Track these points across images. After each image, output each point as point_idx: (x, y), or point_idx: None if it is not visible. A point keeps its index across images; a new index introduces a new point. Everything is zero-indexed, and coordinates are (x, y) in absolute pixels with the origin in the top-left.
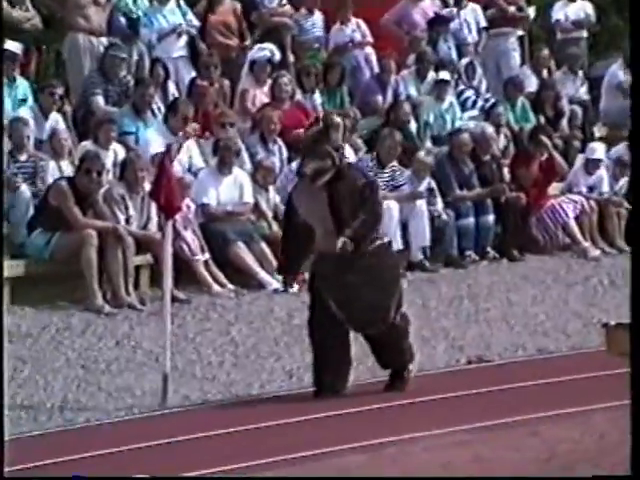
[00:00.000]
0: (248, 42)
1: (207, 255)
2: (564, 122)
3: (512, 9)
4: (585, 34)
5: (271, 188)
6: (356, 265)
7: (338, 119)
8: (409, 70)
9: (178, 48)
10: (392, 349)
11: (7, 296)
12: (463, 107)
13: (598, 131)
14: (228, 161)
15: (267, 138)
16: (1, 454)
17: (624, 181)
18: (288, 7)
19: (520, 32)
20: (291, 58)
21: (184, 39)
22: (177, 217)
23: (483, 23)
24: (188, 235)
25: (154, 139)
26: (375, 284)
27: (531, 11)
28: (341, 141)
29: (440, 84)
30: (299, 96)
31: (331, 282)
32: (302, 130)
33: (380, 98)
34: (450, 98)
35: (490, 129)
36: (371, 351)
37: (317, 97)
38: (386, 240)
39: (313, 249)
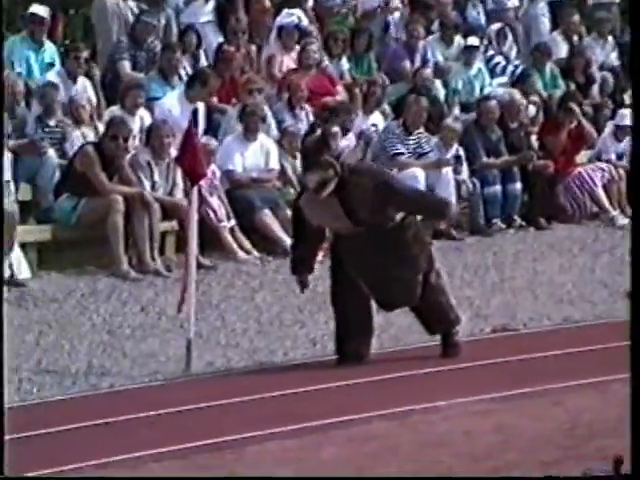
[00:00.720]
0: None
1: (233, 222)
2: (595, 89)
3: None
4: None
5: (298, 155)
6: (383, 242)
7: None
8: (434, 36)
9: (205, 13)
10: (435, 309)
11: (34, 261)
12: (492, 73)
13: (629, 98)
14: (254, 127)
15: (294, 104)
16: (1, 450)
17: None
18: None
19: None
20: (311, 25)
21: (211, 4)
22: (203, 184)
23: None
24: (214, 201)
25: (176, 106)
26: (403, 261)
27: None
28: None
29: (468, 50)
30: (326, 62)
31: (359, 260)
32: (329, 97)
33: (408, 64)
34: (479, 64)
35: (518, 96)
36: (417, 319)
37: (344, 63)
38: (407, 220)
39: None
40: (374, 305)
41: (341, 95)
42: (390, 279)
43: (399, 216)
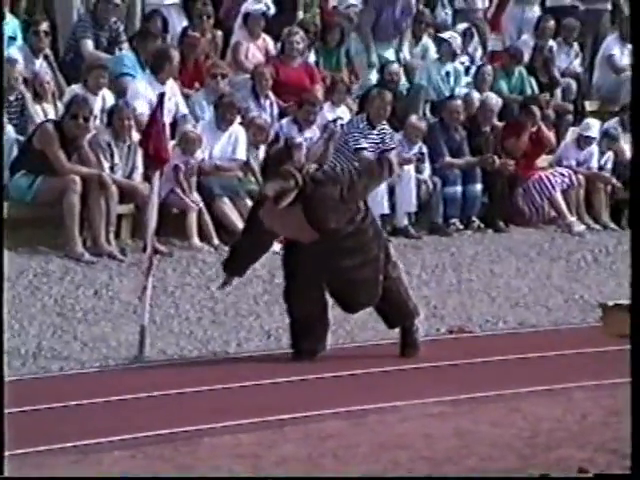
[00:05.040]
0: None
1: (201, 204)
2: (558, 93)
3: None
4: (609, 6)
5: (261, 146)
6: (345, 247)
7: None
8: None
9: None
10: (393, 301)
11: None
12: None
13: (590, 105)
14: (229, 118)
15: (259, 93)
16: (1, 450)
17: (610, 154)
18: None
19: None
20: (301, 14)
21: None
22: (183, 167)
23: None
24: (187, 185)
25: (143, 88)
26: (366, 263)
27: None
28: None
29: (445, 44)
30: (312, 55)
31: (323, 265)
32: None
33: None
34: (454, 62)
35: (494, 99)
36: (376, 311)
37: (312, 55)
38: (362, 211)
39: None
40: (329, 300)
41: (318, 92)
42: (355, 282)
43: (359, 216)
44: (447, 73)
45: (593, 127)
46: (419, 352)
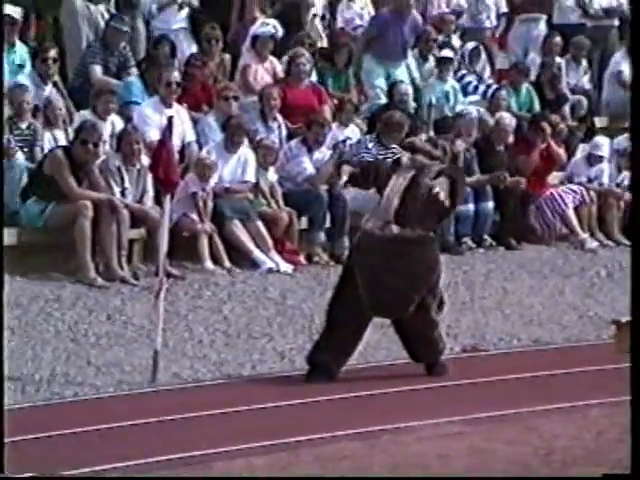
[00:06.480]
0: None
1: (214, 228)
2: (567, 109)
3: None
4: (617, 22)
5: (271, 168)
6: (392, 249)
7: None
8: (412, 52)
9: (179, 20)
10: (425, 341)
11: None
12: (464, 92)
13: (600, 122)
14: (237, 140)
15: (267, 115)
16: (1, 450)
17: (626, 173)
18: None
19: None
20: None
21: (185, 11)
22: (199, 192)
23: (503, 9)
24: (202, 208)
25: (151, 113)
26: (404, 273)
27: None
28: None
29: (442, 62)
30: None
31: (364, 261)
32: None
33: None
34: (451, 81)
35: (508, 119)
36: (402, 343)
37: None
38: (431, 235)
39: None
40: (367, 331)
41: (326, 112)
42: (384, 284)
43: (423, 232)
44: (447, 92)
45: (603, 146)
46: (447, 371)
